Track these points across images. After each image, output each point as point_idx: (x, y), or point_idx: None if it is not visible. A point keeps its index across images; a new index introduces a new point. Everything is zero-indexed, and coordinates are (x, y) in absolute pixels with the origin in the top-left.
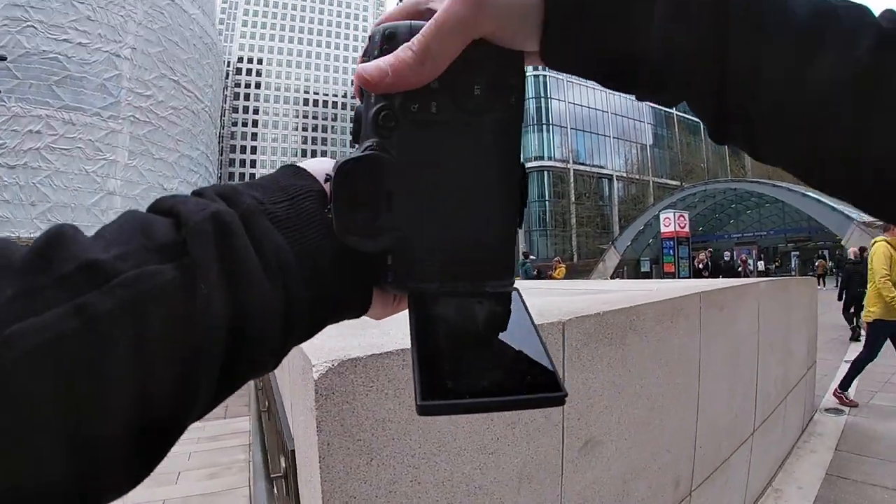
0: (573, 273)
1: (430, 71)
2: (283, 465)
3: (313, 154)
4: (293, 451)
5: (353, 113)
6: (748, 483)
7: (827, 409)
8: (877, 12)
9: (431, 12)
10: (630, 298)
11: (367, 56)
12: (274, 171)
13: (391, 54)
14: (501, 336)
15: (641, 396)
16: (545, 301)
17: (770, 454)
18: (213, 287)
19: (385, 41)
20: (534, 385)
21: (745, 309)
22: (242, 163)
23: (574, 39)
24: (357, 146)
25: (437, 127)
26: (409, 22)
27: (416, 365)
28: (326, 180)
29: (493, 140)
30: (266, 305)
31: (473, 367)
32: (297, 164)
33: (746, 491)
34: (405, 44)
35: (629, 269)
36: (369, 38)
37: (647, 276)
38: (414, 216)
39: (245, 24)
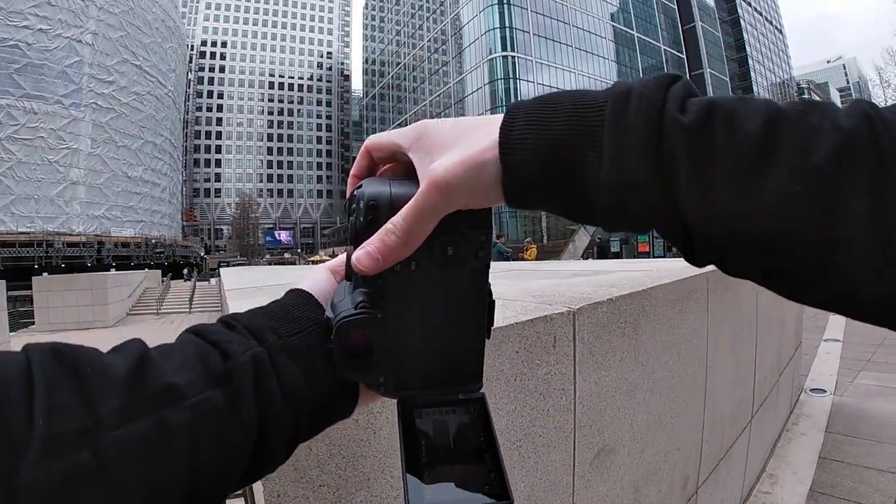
0: (543, 254)
1: (412, 248)
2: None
3: (279, 138)
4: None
5: (318, 96)
6: (746, 471)
7: (812, 390)
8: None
9: (407, 162)
10: (636, 281)
11: (354, 216)
12: (286, 296)
13: (378, 238)
14: (468, 443)
15: (655, 392)
16: (541, 285)
17: (764, 439)
18: (250, 414)
19: (369, 211)
20: (490, 493)
21: (745, 289)
22: (207, 148)
23: (532, 195)
24: (350, 284)
25: (417, 278)
26: (388, 192)
27: (405, 476)
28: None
29: (464, 283)
30: (281, 426)
31: (446, 480)
32: (304, 290)
33: (744, 479)
34: (388, 226)
35: (598, 250)
36: (352, 196)
37: (617, 256)
38: (400, 350)
39: (209, 6)
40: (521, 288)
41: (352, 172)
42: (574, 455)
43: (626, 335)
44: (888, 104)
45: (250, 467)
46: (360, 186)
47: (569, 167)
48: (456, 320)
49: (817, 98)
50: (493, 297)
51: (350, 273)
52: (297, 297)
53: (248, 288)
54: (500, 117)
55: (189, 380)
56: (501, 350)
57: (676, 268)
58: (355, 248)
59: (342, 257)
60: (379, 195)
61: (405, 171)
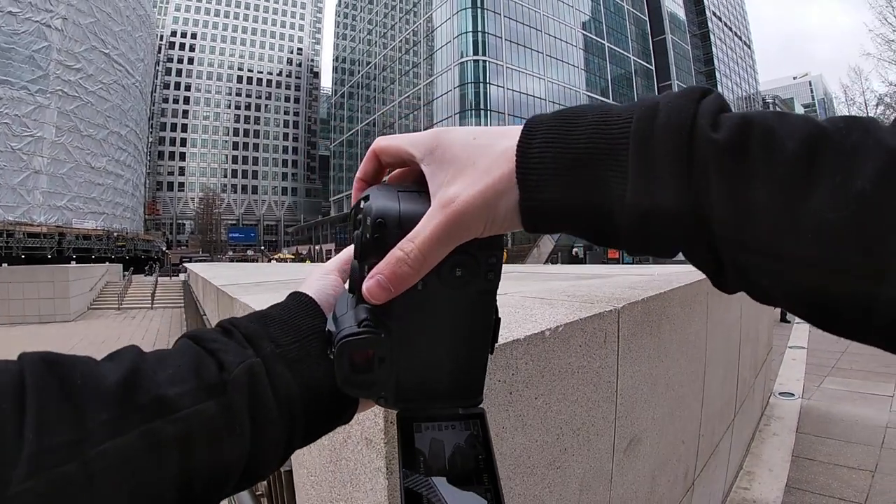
0: (509, 258)
1: (423, 274)
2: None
3: (245, 133)
4: (289, 472)
5: (287, 92)
6: (728, 467)
7: (781, 393)
8: None
9: (417, 170)
10: (648, 284)
11: (360, 230)
12: (288, 300)
13: (389, 268)
14: (467, 462)
15: (669, 387)
16: (558, 286)
17: (743, 438)
18: (244, 426)
19: (377, 229)
20: None
21: (734, 295)
22: (172, 141)
23: (551, 219)
24: (353, 296)
25: (424, 297)
26: (397, 209)
27: (403, 496)
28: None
29: (471, 302)
30: (275, 437)
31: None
32: (306, 295)
33: (726, 475)
34: (400, 255)
35: (563, 255)
36: (357, 206)
37: (581, 261)
38: (403, 367)
39: None
40: (545, 288)
41: (357, 176)
42: (614, 443)
43: (653, 334)
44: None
45: (243, 475)
46: (367, 197)
47: (591, 188)
48: (461, 338)
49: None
50: (499, 314)
51: (354, 284)
52: (299, 303)
53: (245, 283)
54: (517, 131)
55: (182, 391)
56: (570, 344)
57: (667, 272)
58: (360, 262)
59: (346, 254)
60: (387, 212)
61: (415, 179)
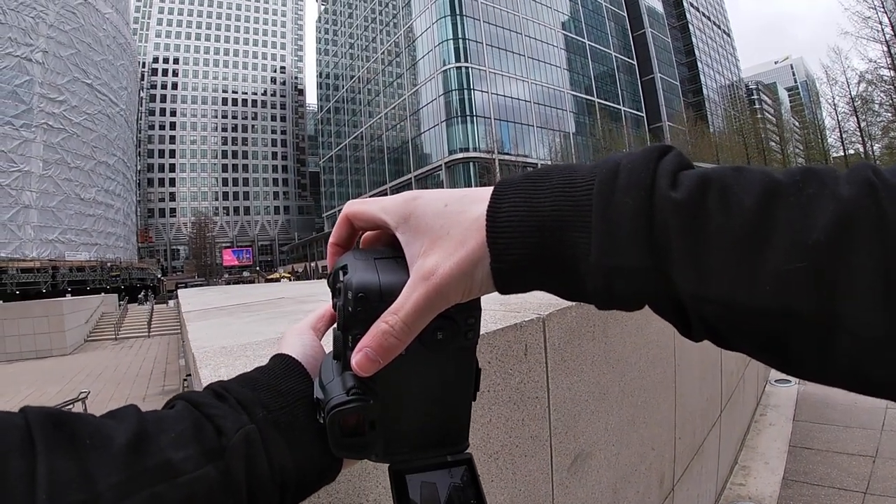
0: None
1: (409, 342)
2: None
3: (234, 155)
4: None
5: (272, 111)
6: (719, 465)
7: (777, 380)
8: None
9: (391, 234)
10: None
11: (341, 301)
12: (273, 363)
13: (376, 341)
14: None
15: (626, 394)
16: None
17: (735, 432)
18: (241, 492)
19: (358, 303)
20: None
21: None
22: (161, 167)
23: (522, 280)
24: (338, 363)
25: (406, 360)
26: (377, 283)
27: None
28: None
29: (451, 360)
30: (268, 499)
31: None
32: (292, 358)
33: (718, 473)
34: (386, 328)
35: None
36: (335, 276)
37: None
38: (392, 425)
39: (160, 22)
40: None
41: (331, 241)
42: (552, 462)
43: (596, 339)
44: (832, 108)
45: None
46: (344, 266)
47: (558, 250)
48: (443, 392)
49: (767, 100)
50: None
51: (339, 352)
52: (285, 367)
53: (211, 308)
54: (488, 194)
55: (185, 456)
56: None
57: None
58: (343, 332)
59: (318, 312)
60: (368, 286)
61: (387, 242)
